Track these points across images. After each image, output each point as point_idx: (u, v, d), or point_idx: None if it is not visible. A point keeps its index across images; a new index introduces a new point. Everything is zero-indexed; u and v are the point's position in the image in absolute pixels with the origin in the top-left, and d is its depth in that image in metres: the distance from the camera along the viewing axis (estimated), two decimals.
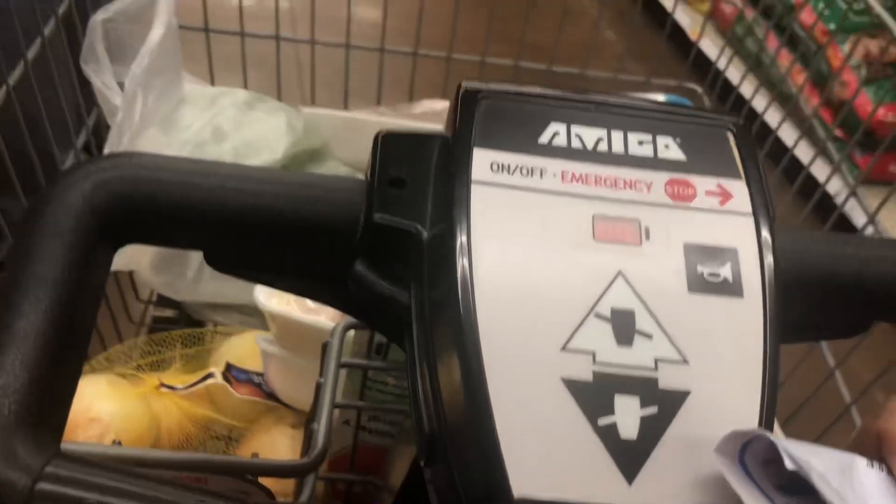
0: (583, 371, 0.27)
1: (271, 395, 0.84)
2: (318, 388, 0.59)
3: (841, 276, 0.35)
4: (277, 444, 0.81)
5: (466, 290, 0.28)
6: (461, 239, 0.29)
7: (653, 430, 0.27)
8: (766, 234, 0.31)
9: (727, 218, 0.31)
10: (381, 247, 0.33)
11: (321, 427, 0.55)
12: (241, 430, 0.84)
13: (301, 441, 0.74)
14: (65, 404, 0.30)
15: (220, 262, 0.34)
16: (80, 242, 0.30)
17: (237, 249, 0.34)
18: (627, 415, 0.27)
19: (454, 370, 0.28)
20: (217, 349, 0.92)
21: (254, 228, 0.33)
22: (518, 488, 0.25)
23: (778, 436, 0.26)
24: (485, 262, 0.29)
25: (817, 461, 0.25)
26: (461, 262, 0.29)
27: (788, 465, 0.25)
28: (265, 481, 0.51)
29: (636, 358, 0.28)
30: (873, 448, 0.27)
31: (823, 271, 0.34)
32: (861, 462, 0.26)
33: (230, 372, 0.84)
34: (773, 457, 0.26)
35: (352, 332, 0.68)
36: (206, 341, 0.95)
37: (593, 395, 0.27)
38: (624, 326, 0.28)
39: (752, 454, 0.26)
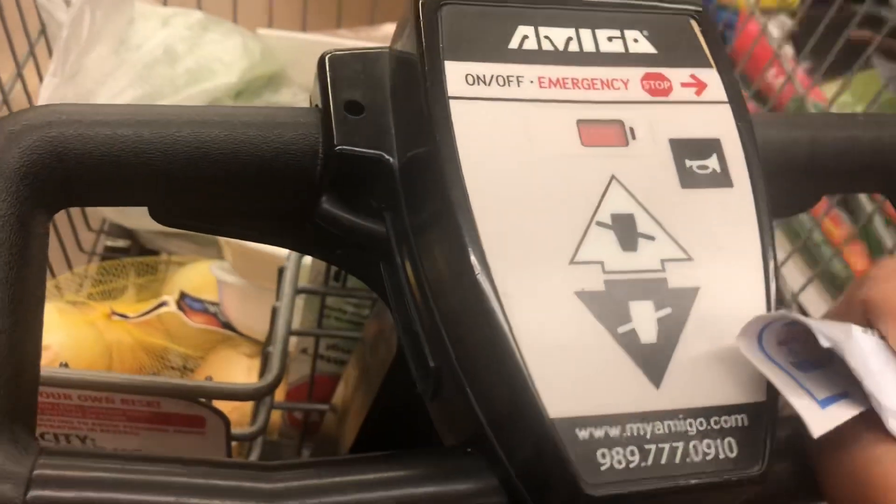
0: (595, 282, 0.27)
1: (227, 325, 0.83)
2: (274, 313, 0.58)
3: (796, 154, 0.35)
4: (233, 373, 0.80)
5: (466, 211, 0.27)
6: (449, 160, 0.28)
7: (671, 331, 0.27)
8: (745, 120, 0.31)
9: (705, 108, 0.31)
10: (344, 180, 0.31)
11: (277, 351, 0.54)
12: (196, 360, 0.82)
13: (258, 372, 0.73)
14: (32, 392, 0.27)
15: (169, 216, 0.32)
16: (10, 217, 0.27)
17: (186, 201, 0.31)
18: (644, 319, 0.27)
19: (461, 296, 0.27)
20: (171, 278, 0.90)
21: (201, 177, 0.30)
22: (552, 409, 0.25)
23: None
24: (478, 181, 0.27)
25: (830, 333, 0.26)
26: (454, 184, 0.27)
27: (823, 342, 0.25)
28: (220, 406, 0.50)
29: (643, 262, 0.28)
30: (859, 316, 0.27)
31: (780, 151, 0.35)
32: (857, 329, 0.26)
33: (184, 301, 0.82)
34: (786, 338, 0.27)
35: (309, 258, 0.66)
36: (159, 270, 0.93)
37: (608, 305, 0.27)
38: (626, 231, 0.28)
39: (769, 337, 0.27)
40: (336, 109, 0.30)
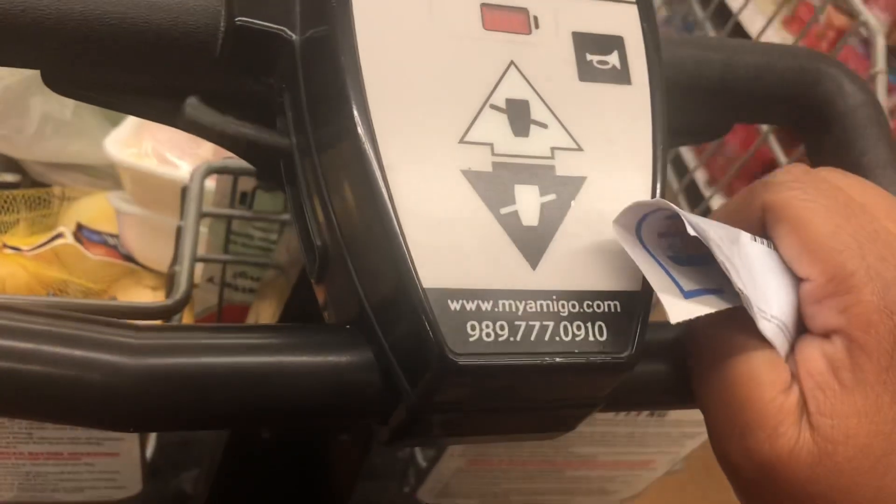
0: (482, 162, 0.27)
1: (128, 257, 0.80)
2: (179, 233, 0.56)
3: (707, 77, 0.36)
4: None
5: (357, 86, 0.26)
6: (344, 37, 0.27)
7: (553, 216, 0.27)
8: (650, 22, 0.31)
9: (612, 6, 0.31)
10: (245, 56, 0.30)
11: (183, 269, 0.52)
12: (97, 294, 0.80)
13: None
14: None
15: (62, 82, 0.30)
16: None
17: (79, 66, 0.30)
18: (528, 203, 0.27)
19: (347, 169, 0.27)
20: (66, 212, 0.86)
21: (96, 41, 0.28)
22: (426, 280, 0.25)
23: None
24: (374, 57, 0.27)
25: (712, 231, 0.26)
26: (348, 59, 0.27)
27: (690, 230, 0.25)
28: None
29: (533, 148, 0.28)
30: (754, 218, 0.27)
31: (691, 73, 0.35)
32: (746, 236, 0.26)
33: (82, 233, 0.79)
34: (666, 231, 0.27)
35: (213, 184, 0.64)
36: (53, 204, 0.89)
37: (494, 186, 0.27)
38: (519, 117, 0.28)
39: (648, 228, 0.27)
40: None
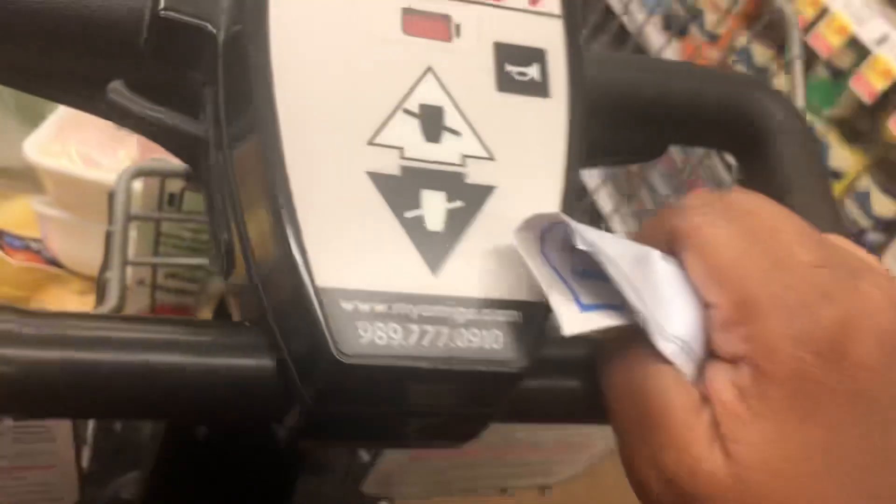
0: (390, 165, 0.27)
1: (53, 262, 0.78)
2: (108, 238, 0.55)
3: (643, 97, 0.36)
4: None
5: (265, 85, 0.26)
6: (257, 34, 0.27)
7: (458, 223, 0.27)
8: (574, 37, 0.31)
9: (538, 19, 0.31)
10: (170, 48, 0.29)
11: (115, 276, 0.51)
12: (23, 301, 0.77)
13: (92, 308, 0.70)
14: None
15: None
16: None
17: (5, 52, 0.29)
18: (433, 208, 0.27)
19: (251, 165, 0.27)
20: None
21: (20, 25, 0.28)
22: (320, 278, 0.25)
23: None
24: (285, 57, 0.27)
25: (611, 247, 0.26)
26: (257, 59, 0.27)
27: (578, 244, 0.25)
28: None
29: (444, 154, 0.28)
30: (663, 243, 0.27)
31: (626, 92, 0.35)
32: (656, 254, 0.26)
33: (3, 239, 0.77)
34: (572, 244, 0.27)
35: (140, 186, 0.63)
36: None
37: (400, 189, 0.27)
38: (432, 122, 0.28)
39: (553, 241, 0.27)
40: None
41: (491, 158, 0.28)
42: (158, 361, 0.25)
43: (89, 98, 0.32)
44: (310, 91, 0.27)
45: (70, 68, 0.30)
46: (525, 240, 0.26)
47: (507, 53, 0.30)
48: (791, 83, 0.53)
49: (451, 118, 0.28)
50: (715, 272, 0.25)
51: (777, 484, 0.24)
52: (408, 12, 0.29)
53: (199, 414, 0.28)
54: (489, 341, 0.26)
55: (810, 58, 1.44)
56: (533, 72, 0.30)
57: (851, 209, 1.44)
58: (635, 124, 0.36)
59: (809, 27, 1.43)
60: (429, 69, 0.28)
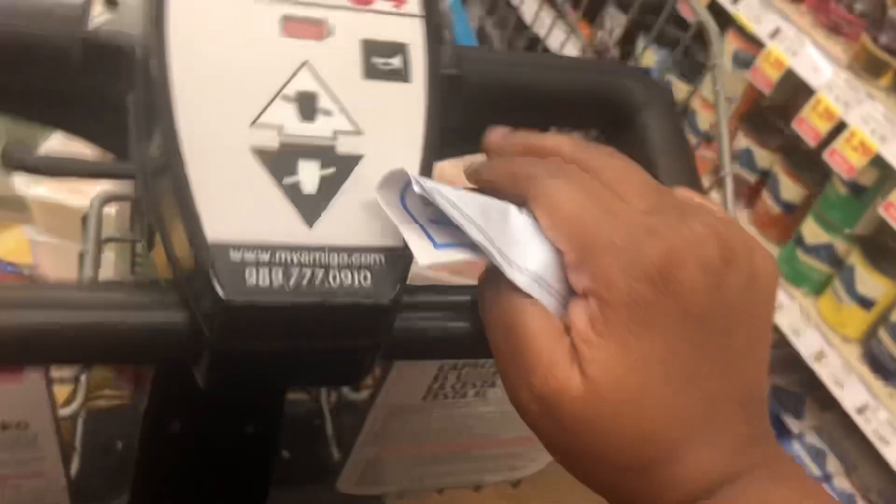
0: (270, 141, 0.31)
1: None
2: (81, 259, 0.59)
3: (518, 87, 0.40)
4: None
5: (164, 80, 0.31)
6: (159, 41, 0.31)
7: (331, 186, 0.31)
8: (433, 32, 0.35)
9: (401, 19, 0.35)
10: (99, 64, 0.34)
11: None
12: None
13: None
14: None
15: None
16: None
17: None
18: (308, 174, 0.31)
19: (157, 147, 0.31)
20: None
21: None
22: (211, 233, 0.29)
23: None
24: (182, 58, 0.31)
25: (467, 201, 0.30)
26: (159, 62, 0.31)
27: (416, 188, 0.30)
28: None
29: (318, 130, 0.32)
30: (520, 202, 0.31)
31: (502, 83, 0.40)
32: (513, 208, 0.30)
33: None
34: (429, 200, 0.31)
35: (113, 211, 0.67)
36: None
37: (279, 161, 0.31)
38: (307, 105, 0.32)
39: (412, 196, 0.31)
40: (95, 2, 0.34)
41: (359, 133, 0.32)
42: (90, 319, 0.30)
43: (38, 109, 0.37)
44: (203, 87, 0.31)
45: (21, 85, 0.35)
46: (386, 195, 0.31)
47: (374, 48, 0.34)
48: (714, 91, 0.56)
49: (325, 101, 0.32)
50: (559, 223, 0.29)
51: (624, 392, 0.27)
52: (287, 19, 0.33)
53: (124, 358, 0.33)
54: (359, 280, 0.30)
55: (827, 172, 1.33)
56: (396, 62, 0.34)
57: (890, 346, 1.26)
58: (510, 110, 0.40)
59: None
60: (305, 63, 0.33)
